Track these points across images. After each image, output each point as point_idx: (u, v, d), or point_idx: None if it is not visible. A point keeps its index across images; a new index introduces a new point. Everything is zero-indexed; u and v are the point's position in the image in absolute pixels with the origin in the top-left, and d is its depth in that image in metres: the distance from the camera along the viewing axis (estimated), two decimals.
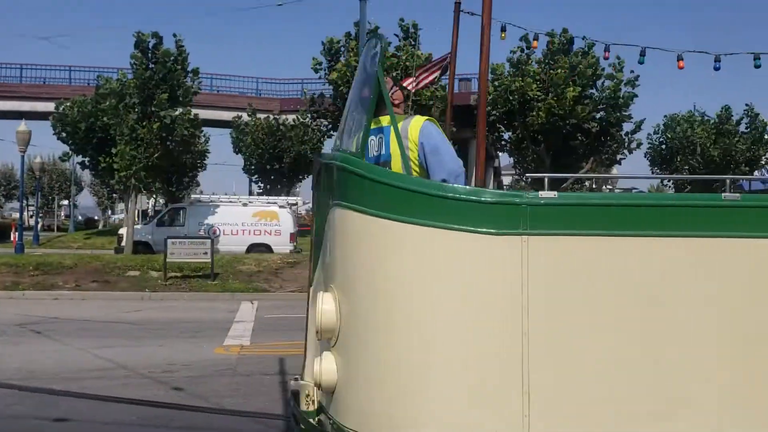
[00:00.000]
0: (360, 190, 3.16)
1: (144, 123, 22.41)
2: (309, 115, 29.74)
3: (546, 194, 2.98)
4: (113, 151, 23.04)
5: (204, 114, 36.56)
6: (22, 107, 37.44)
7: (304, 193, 39.84)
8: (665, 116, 39.00)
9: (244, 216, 23.86)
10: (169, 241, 16.78)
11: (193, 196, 32.00)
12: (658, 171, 39.13)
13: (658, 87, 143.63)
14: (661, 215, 3.12)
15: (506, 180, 58.57)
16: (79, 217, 57.61)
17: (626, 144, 23.88)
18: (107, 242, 30.77)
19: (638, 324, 3.03)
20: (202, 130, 35.05)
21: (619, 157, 24.69)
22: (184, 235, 20.47)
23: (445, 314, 2.96)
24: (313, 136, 34.26)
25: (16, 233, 28.12)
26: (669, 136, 37.78)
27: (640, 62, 8.93)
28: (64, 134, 28.38)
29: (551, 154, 23.09)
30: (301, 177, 38.04)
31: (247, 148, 34.85)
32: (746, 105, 36.92)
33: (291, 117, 34.85)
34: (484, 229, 2.93)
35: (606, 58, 7.53)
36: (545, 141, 22.86)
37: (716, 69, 8.82)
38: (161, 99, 22.07)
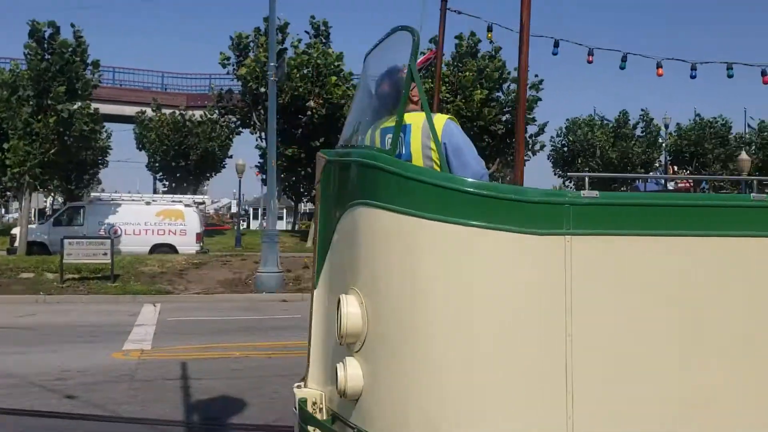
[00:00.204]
0: (395, 189, 3.01)
1: (39, 117, 21.19)
2: (217, 111, 29.02)
3: (588, 193, 2.94)
4: (5, 146, 21.69)
5: (105, 108, 35.02)
6: None
7: (212, 191, 38.95)
8: (567, 120, 40.62)
9: (147, 215, 22.99)
10: (66, 241, 15.96)
11: (93, 194, 30.62)
12: (560, 172, 40.62)
13: (562, 91, 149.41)
14: (701, 215, 3.11)
15: None
16: None
17: (530, 146, 24.64)
18: None
19: (682, 325, 3.03)
20: (104, 126, 33.52)
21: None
22: (82, 235, 19.50)
23: (487, 316, 2.87)
24: (222, 132, 33.50)
25: None
26: (571, 138, 39.29)
27: (622, 67, 9.07)
28: None
29: None
30: (208, 175, 37.11)
31: (151, 145, 33.68)
32: (642, 110, 38.94)
33: (198, 113, 33.97)
34: (528, 229, 2.86)
35: (590, 62, 7.48)
36: None
37: (692, 77, 9.04)
38: (58, 92, 20.94)
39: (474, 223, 2.83)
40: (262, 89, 22.88)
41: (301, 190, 30.55)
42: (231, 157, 36.14)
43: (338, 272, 3.42)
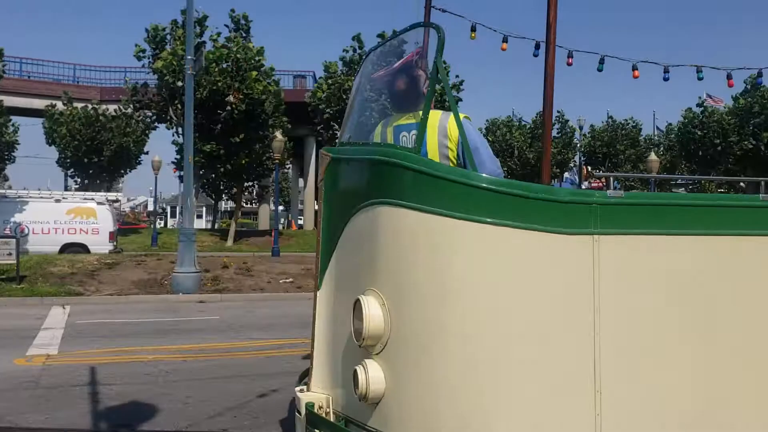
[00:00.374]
0: (423, 188, 2.93)
1: None
2: (132, 106, 27.98)
3: (614, 193, 2.95)
4: None
5: (12, 101, 33.24)
6: None
7: (128, 189, 37.55)
8: (487, 120, 41.45)
9: (57, 213, 21.91)
10: None
11: None
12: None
13: (481, 91, 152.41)
14: (725, 215, 3.18)
15: None
16: None
17: None
18: None
19: (706, 322, 3.07)
20: (10, 119, 31.83)
21: None
22: None
23: (518, 315, 2.85)
24: (137, 127, 32.34)
25: None
26: (490, 139, 40.09)
27: (599, 69, 9.11)
28: None
29: None
30: (123, 171, 35.75)
31: (62, 140, 32.14)
32: (558, 111, 40.11)
33: (112, 107, 32.64)
34: (558, 229, 2.86)
35: (569, 64, 7.41)
36: None
37: (665, 80, 9.21)
38: None
39: (505, 222, 2.83)
40: (179, 83, 22.20)
41: (221, 187, 29.85)
42: (147, 153, 34.97)
43: (349, 272, 3.32)
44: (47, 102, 33.75)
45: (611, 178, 3.10)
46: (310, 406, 3.35)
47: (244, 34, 25.36)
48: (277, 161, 23.74)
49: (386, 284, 3.02)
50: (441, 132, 3.45)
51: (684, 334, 3.05)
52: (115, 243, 22.53)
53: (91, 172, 33.69)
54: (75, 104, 32.79)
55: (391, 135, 3.69)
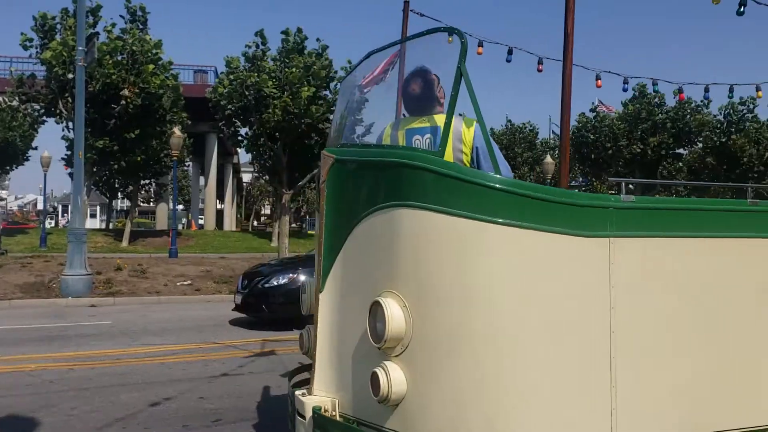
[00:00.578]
0: (449, 191, 2.97)
1: None
2: (17, 98, 26.23)
3: (626, 198, 3.12)
4: None
5: None
6: None
7: (15, 186, 35.21)
8: None
9: None
10: None
11: None
12: None
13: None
14: (731, 218, 3.39)
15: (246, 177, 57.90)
16: None
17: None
18: None
19: (712, 319, 3.26)
20: None
21: None
22: None
23: (542, 316, 2.94)
24: (24, 121, 30.38)
25: None
26: None
27: (508, 60, 9.02)
28: None
29: (287, 152, 23.18)
30: (9, 168, 33.49)
31: None
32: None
33: None
34: (577, 231, 2.99)
35: (541, 69, 7.17)
36: (282, 139, 22.87)
37: (624, 90, 9.26)
38: None
39: (530, 225, 2.93)
40: (70, 75, 20.99)
41: (116, 185, 28.51)
42: (36, 148, 32.90)
43: (360, 275, 3.31)
44: None
45: (623, 184, 3.26)
46: (317, 410, 3.34)
47: (140, 26, 24.31)
48: (175, 158, 22.89)
49: (407, 286, 3.04)
50: (456, 136, 3.48)
51: (692, 331, 3.23)
52: None
53: None
54: None
55: (403, 138, 3.68)
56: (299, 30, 23.10)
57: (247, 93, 22.21)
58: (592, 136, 35.37)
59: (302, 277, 10.86)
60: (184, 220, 52.16)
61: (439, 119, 3.58)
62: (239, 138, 24.35)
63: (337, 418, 3.36)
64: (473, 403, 2.92)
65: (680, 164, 36.27)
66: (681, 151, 36.56)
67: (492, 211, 2.92)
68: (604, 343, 3.00)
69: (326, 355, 3.49)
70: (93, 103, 21.53)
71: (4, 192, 27.81)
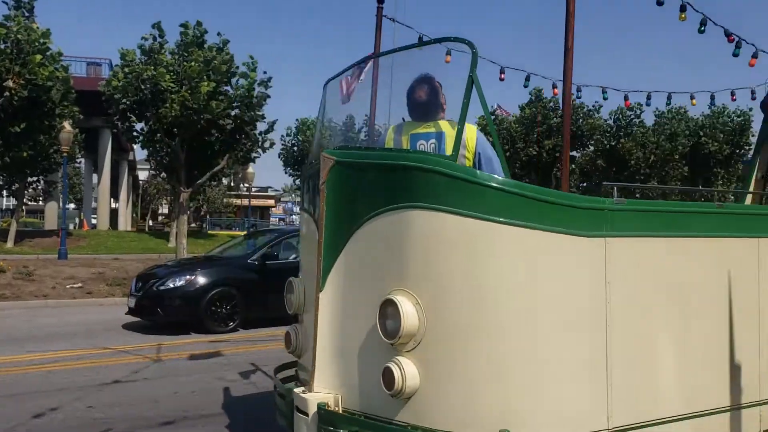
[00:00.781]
0: (463, 194, 3.13)
1: None
2: None
3: (619, 200, 3.40)
4: None
5: None
6: None
7: None
8: (297, 120, 41.35)
9: None
10: None
11: None
12: (290, 170, 41.12)
13: (289, 90, 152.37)
14: (704, 219, 3.77)
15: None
16: None
17: (260, 143, 24.45)
18: None
19: (694, 311, 3.64)
20: None
21: (253, 155, 25.16)
22: None
23: (548, 311, 3.17)
24: None
25: None
26: (301, 138, 40.07)
27: (525, 86, 8.86)
28: None
29: (186, 149, 22.44)
30: None
31: None
32: (365, 115, 40.96)
33: None
34: (578, 231, 3.24)
35: (503, 79, 6.81)
36: (180, 134, 22.12)
37: (578, 97, 9.38)
38: None
39: (536, 226, 3.15)
40: None
41: (0, 182, 26.71)
42: None
43: (366, 274, 3.41)
44: None
45: (615, 188, 3.57)
46: (322, 406, 3.43)
47: (26, 14, 22.84)
48: (65, 154, 21.68)
49: (420, 284, 3.18)
50: (460, 142, 3.57)
51: (676, 321, 3.58)
52: None
53: None
54: None
55: (407, 142, 3.81)
56: (199, 23, 22.40)
57: (143, 87, 21.32)
58: (490, 139, 36.40)
59: (201, 279, 10.53)
60: (76, 220, 49.58)
61: (444, 125, 3.78)
62: (135, 133, 23.32)
63: (340, 413, 3.47)
64: (484, 395, 3.10)
65: (573, 166, 37.93)
66: (574, 153, 38.28)
67: (501, 212, 3.11)
68: (600, 334, 3.28)
69: (327, 352, 3.55)
70: None
71: None
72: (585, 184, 36.40)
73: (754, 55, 6.44)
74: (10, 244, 24.16)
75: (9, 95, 21.24)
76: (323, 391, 3.55)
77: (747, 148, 36.07)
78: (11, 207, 46.54)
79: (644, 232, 3.50)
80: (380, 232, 3.32)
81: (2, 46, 21.37)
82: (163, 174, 28.07)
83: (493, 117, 36.97)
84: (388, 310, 3.17)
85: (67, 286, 15.15)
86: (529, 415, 3.11)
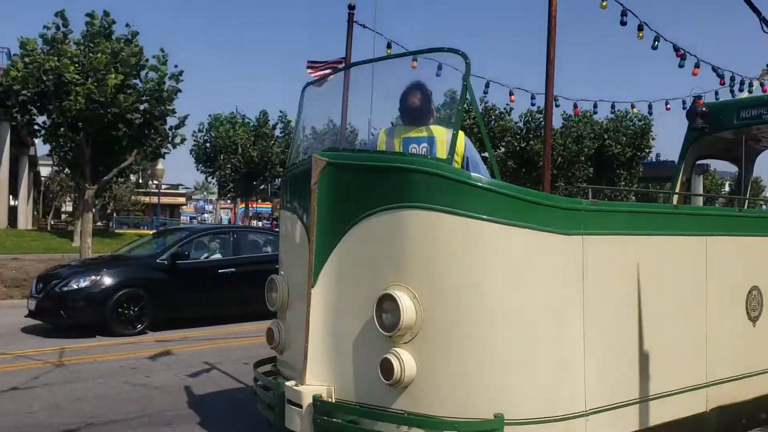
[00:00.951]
0: (459, 195, 3.37)
1: None
2: None
3: (593, 201, 3.73)
4: None
5: None
6: None
7: None
8: (210, 115, 40.36)
9: None
10: None
11: None
12: (202, 167, 40.16)
13: (203, 86, 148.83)
14: (663, 219, 4.18)
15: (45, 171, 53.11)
16: None
17: (170, 138, 23.70)
18: None
19: (658, 301, 4.01)
20: None
21: (163, 151, 24.35)
22: None
23: (536, 303, 3.46)
24: None
25: None
26: (213, 134, 39.15)
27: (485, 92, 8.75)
28: None
29: (91, 144, 21.47)
30: None
31: None
32: (280, 111, 40.62)
33: None
34: (561, 230, 3.53)
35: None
36: (85, 129, 21.13)
37: (534, 104, 9.65)
38: None
39: (524, 225, 3.42)
40: None
41: None
42: None
43: (358, 270, 3.59)
44: None
45: (590, 190, 3.84)
46: (318, 397, 3.60)
47: None
48: None
49: (417, 280, 3.39)
50: (449, 147, 3.73)
51: (642, 310, 3.93)
52: None
53: None
54: None
55: (399, 145, 4.01)
56: (106, 13, 21.46)
57: (45, 78, 20.22)
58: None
59: (107, 280, 10.10)
60: None
61: (435, 130, 4.01)
62: (36, 127, 22.10)
63: (337, 403, 3.65)
64: (478, 381, 3.35)
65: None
66: (485, 155, 39.17)
67: (493, 212, 3.37)
68: (578, 324, 3.58)
69: (320, 346, 3.70)
70: None
71: None
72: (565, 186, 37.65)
73: (696, 65, 7.08)
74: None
75: None
76: (315, 383, 3.69)
77: (647, 150, 38.03)
78: None
79: (615, 231, 3.84)
80: (376, 230, 3.50)
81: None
82: (67, 170, 26.80)
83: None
84: (386, 304, 3.37)
85: None
86: (519, 399, 3.39)
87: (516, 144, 37.23)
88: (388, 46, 7.09)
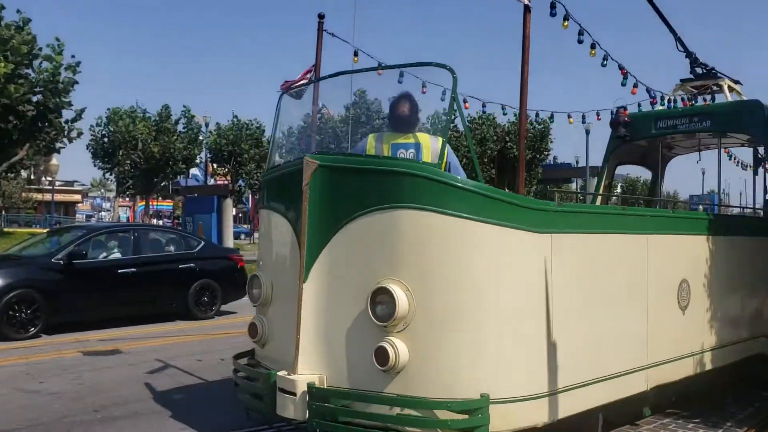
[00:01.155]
0: (449, 196, 3.73)
1: None
2: None
3: (559, 204, 4.19)
4: None
5: None
6: None
7: None
8: (108, 109, 38.67)
9: None
10: None
11: None
12: (100, 163, 38.45)
13: (102, 79, 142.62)
14: (614, 220, 4.79)
15: None
16: None
17: (66, 132, 22.60)
18: None
19: (611, 292, 4.60)
20: None
21: (58, 145, 23.20)
22: None
23: (515, 295, 3.90)
24: None
25: None
26: (112, 129, 37.54)
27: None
28: None
29: None
30: None
31: None
32: (184, 106, 39.43)
33: None
34: (534, 228, 3.96)
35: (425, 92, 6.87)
36: None
37: (505, 115, 9.66)
38: None
39: (504, 223, 3.83)
40: None
41: None
42: None
43: (351, 266, 3.88)
44: None
45: (556, 193, 4.37)
46: (312, 385, 3.87)
47: None
48: None
49: (410, 273, 3.72)
50: (434, 153, 4.25)
51: (599, 299, 4.48)
52: None
53: None
54: None
55: (388, 150, 4.35)
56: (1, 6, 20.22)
57: None
58: (318, 137, 36.46)
59: None
60: None
61: (421, 137, 4.39)
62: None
63: (333, 389, 3.92)
64: (465, 365, 3.72)
65: None
66: (332, 146, 39.43)
67: (477, 212, 3.75)
68: (547, 312, 4.01)
69: (311, 337, 3.95)
70: None
71: None
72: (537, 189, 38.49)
73: (635, 85, 7.72)
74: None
75: None
76: (307, 372, 3.93)
77: (546, 153, 39.55)
78: None
79: (577, 230, 4.31)
80: (369, 228, 3.80)
81: None
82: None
83: (319, 116, 37.21)
84: (380, 297, 3.68)
85: None
86: (502, 380, 3.80)
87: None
88: (355, 54, 7.31)
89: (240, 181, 41.18)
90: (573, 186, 34.37)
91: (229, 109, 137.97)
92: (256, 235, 49.40)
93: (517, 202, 3.98)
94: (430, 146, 4.32)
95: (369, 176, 3.88)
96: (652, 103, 8.22)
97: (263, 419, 4.72)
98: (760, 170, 8.73)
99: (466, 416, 3.67)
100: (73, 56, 21.92)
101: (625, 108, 8.03)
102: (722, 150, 8.49)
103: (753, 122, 7.33)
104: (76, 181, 66.28)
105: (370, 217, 3.78)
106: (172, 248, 12.05)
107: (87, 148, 38.40)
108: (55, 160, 28.01)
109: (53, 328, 9.93)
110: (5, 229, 34.58)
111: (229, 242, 23.84)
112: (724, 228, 6.01)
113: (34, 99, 20.83)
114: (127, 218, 57.92)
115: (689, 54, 8.00)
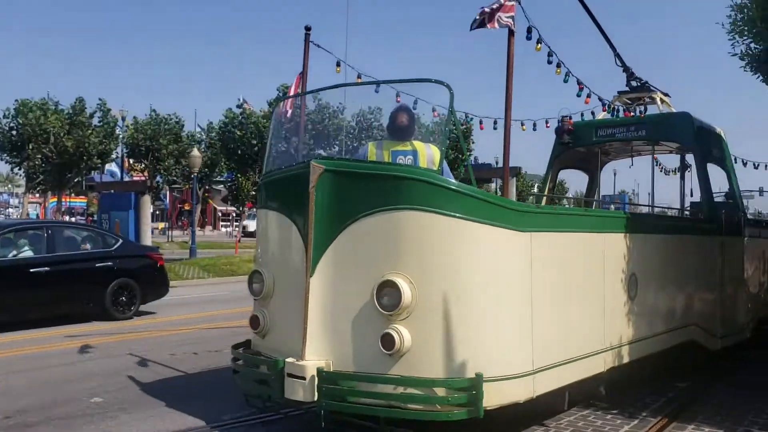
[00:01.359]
0: (447, 199, 4.20)
1: None
2: None
3: (537, 205, 4.99)
4: None
5: None
6: None
7: None
8: (17, 101, 36.80)
9: None
10: None
11: None
12: (7, 157, 36.60)
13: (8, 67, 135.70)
14: (586, 220, 5.48)
15: None
16: None
17: None
18: None
19: (583, 285, 5.21)
20: None
21: None
22: None
23: (503, 287, 4.40)
24: None
25: None
26: (21, 122, 35.74)
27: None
28: None
29: None
30: None
31: None
32: (99, 99, 37.99)
33: None
34: (518, 228, 4.46)
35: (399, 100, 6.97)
36: None
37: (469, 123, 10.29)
38: None
39: (495, 223, 4.32)
40: None
41: None
42: None
43: (356, 261, 4.29)
44: None
45: (533, 197, 4.68)
46: (321, 369, 4.26)
47: None
48: None
49: (412, 268, 4.17)
50: (429, 159, 4.79)
51: (572, 291, 5.06)
52: None
53: None
54: None
55: (388, 156, 4.80)
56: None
57: None
58: (239, 132, 35.92)
59: None
60: None
61: (417, 145, 4.89)
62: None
63: (342, 372, 4.30)
64: (461, 348, 4.18)
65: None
66: (321, 152, 39.39)
67: (472, 213, 4.21)
68: (527, 306, 4.50)
69: (318, 327, 4.32)
70: None
71: None
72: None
73: (588, 95, 8.75)
74: None
75: None
76: (314, 358, 4.31)
77: (469, 153, 40.35)
78: None
79: (551, 228, 4.84)
80: (374, 227, 4.21)
81: None
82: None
83: (240, 110, 36.65)
84: (386, 289, 4.13)
85: None
86: (494, 361, 4.27)
87: (349, 143, 37.82)
88: (338, 64, 7.53)
89: (158, 177, 40.02)
90: (492, 186, 35.28)
91: (147, 103, 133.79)
92: (175, 233, 48.12)
93: (505, 204, 4.52)
94: (425, 153, 4.81)
95: (373, 180, 4.28)
96: (603, 111, 9.02)
97: (263, 405, 4.91)
98: (687, 174, 9.48)
99: (463, 393, 4.14)
100: None
101: (570, 117, 8.57)
102: (653, 156, 9.38)
103: (683, 132, 8.14)
104: None
105: (374, 217, 4.20)
106: (88, 246, 11.61)
107: None
108: None
109: None
110: None
111: (148, 240, 23.14)
112: (665, 228, 6.87)
113: None
114: (37, 215, 55.22)
115: (626, 68, 8.65)
